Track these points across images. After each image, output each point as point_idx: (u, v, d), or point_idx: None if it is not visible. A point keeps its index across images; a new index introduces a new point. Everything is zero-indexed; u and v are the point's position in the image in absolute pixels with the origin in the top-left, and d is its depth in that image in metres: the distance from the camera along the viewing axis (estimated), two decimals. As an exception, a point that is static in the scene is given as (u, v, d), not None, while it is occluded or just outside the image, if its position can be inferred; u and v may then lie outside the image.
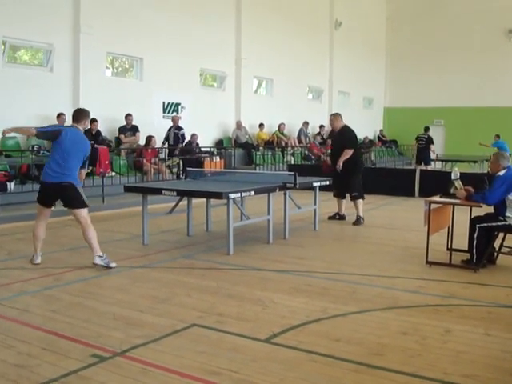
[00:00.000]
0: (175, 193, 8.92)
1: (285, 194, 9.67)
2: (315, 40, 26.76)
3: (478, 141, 25.73)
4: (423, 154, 21.77)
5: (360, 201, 11.48)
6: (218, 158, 18.14)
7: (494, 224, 7.58)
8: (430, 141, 21.96)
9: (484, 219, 7.70)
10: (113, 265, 7.62)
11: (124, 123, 16.45)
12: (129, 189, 9.88)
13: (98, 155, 14.13)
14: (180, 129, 17.38)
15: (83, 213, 7.70)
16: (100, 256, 7.62)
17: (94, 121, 15.15)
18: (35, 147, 13.87)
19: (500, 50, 30.49)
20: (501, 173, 7.53)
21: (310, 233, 10.49)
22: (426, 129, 22.45)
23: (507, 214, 7.43)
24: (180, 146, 17.16)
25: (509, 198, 7.38)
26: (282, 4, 23.71)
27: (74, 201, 7.66)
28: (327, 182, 10.83)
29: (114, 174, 14.89)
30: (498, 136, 25.42)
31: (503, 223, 7.50)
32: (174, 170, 16.78)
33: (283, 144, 22.40)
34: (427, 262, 7.82)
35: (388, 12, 33.91)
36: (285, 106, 24.22)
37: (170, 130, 17.40)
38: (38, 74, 14.87)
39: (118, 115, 16.33)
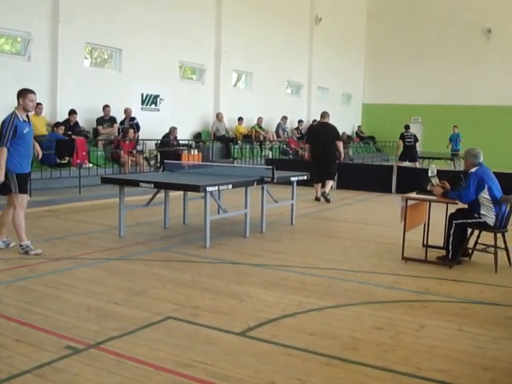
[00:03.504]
0: (152, 185, 8.87)
1: (262, 188, 9.69)
2: (295, 35, 26.74)
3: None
4: (412, 151, 21.88)
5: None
6: (195, 151, 18.10)
7: (469, 221, 7.66)
8: (416, 139, 22.24)
9: (461, 216, 7.77)
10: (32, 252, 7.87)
11: (102, 114, 16.34)
12: (106, 180, 9.80)
13: (75, 146, 14.04)
14: (134, 119, 17.18)
15: (15, 197, 7.86)
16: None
17: (72, 112, 15.08)
18: None
19: (478, 49, 30.68)
20: (473, 170, 7.62)
21: (287, 227, 10.51)
22: (408, 127, 22.60)
23: (481, 211, 7.51)
24: (137, 134, 16.97)
25: (481, 196, 7.46)
26: (262, -2, 23.68)
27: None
28: (305, 177, 10.87)
29: (91, 165, 14.80)
30: (455, 127, 26.30)
31: (478, 220, 7.58)
32: (152, 162, 16.73)
33: (261, 138, 22.41)
34: (403, 258, 7.88)
35: (368, 8, 34.02)
36: (264, 100, 24.18)
37: (123, 122, 16.96)
38: (15, 63, 14.69)
39: (95, 106, 16.21)
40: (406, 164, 20.69)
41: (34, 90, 7.92)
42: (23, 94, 7.80)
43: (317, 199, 14.01)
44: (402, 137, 22.16)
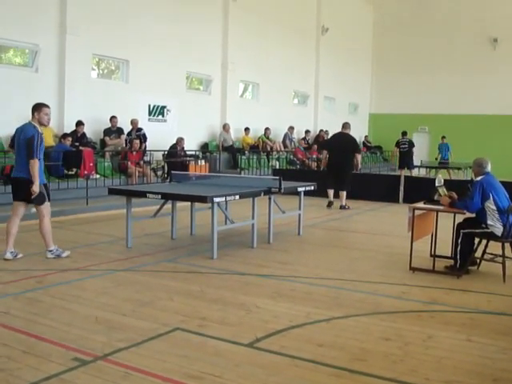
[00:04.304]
0: (160, 196, 8.88)
1: (269, 198, 9.68)
2: (302, 45, 26.85)
3: (461, 148, 26.23)
4: (407, 158, 22.04)
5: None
6: (203, 161, 18.13)
7: (477, 231, 7.63)
8: (412, 144, 22.44)
9: (468, 225, 7.74)
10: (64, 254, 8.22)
11: (109, 125, 16.39)
12: (113, 191, 9.82)
13: (82, 157, 14.08)
14: (141, 130, 17.24)
15: (44, 206, 8.05)
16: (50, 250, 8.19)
17: (80, 124, 15.15)
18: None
19: (485, 59, 30.68)
20: (478, 178, 7.60)
21: (294, 237, 10.50)
22: (405, 133, 22.88)
23: (489, 222, 7.47)
24: (144, 145, 17.08)
25: (487, 205, 7.43)
26: (269, 9, 23.76)
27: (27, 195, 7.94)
28: (312, 187, 10.86)
29: (98, 176, 14.84)
30: (443, 137, 26.49)
31: (485, 231, 7.55)
32: (159, 173, 16.76)
33: (268, 148, 22.43)
34: (410, 268, 7.85)
35: (374, 18, 34.09)
36: (270, 110, 24.25)
37: (130, 133, 16.99)
38: (23, 75, 14.77)
39: (102, 117, 16.28)
40: (404, 172, 20.78)
41: (48, 104, 8.03)
42: (38, 108, 7.96)
43: (329, 204, 14.66)
44: (398, 143, 22.42)
